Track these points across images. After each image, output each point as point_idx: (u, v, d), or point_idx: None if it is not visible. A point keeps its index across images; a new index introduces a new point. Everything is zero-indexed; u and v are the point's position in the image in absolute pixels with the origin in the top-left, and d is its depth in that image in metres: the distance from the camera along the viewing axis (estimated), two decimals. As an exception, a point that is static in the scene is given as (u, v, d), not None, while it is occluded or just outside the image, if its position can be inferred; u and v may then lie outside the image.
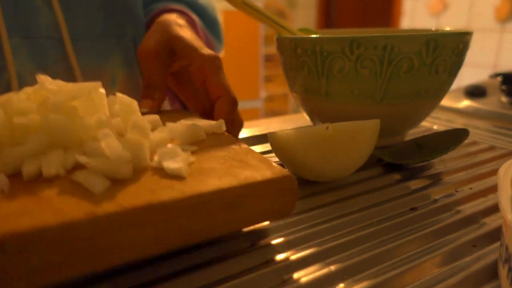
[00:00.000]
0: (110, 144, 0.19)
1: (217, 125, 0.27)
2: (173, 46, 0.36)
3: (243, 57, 2.22)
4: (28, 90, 0.24)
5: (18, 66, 0.39)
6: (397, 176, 0.30)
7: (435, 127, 0.44)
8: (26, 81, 0.39)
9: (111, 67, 0.46)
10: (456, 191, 0.27)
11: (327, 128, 0.27)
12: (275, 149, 0.28)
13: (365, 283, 0.18)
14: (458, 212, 0.25)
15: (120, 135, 0.23)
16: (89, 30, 0.43)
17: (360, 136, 0.27)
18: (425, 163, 0.32)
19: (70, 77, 0.42)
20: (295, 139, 0.27)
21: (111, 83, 0.47)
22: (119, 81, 0.48)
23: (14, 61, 0.39)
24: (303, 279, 0.18)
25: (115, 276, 0.18)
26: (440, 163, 0.32)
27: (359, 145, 0.27)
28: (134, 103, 0.24)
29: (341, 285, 0.18)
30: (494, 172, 0.30)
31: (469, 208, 0.25)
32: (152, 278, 0.19)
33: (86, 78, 0.43)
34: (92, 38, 0.44)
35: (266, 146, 0.38)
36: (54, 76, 0.33)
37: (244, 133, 0.40)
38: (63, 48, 0.42)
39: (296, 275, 0.19)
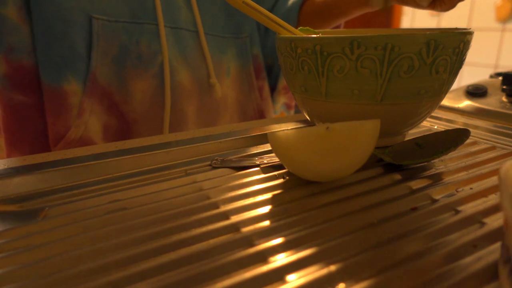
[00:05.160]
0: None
1: None
2: None
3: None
4: None
5: (168, 51, 0.49)
6: (397, 176, 0.30)
7: (435, 127, 0.44)
8: (172, 64, 0.51)
9: (227, 59, 0.58)
10: (457, 191, 0.27)
11: (327, 128, 0.27)
12: (275, 149, 0.28)
13: (365, 283, 0.18)
14: (458, 212, 0.25)
15: None
16: (213, 27, 0.55)
17: (360, 136, 0.27)
18: (425, 163, 0.32)
19: (203, 64, 0.54)
20: (295, 139, 0.27)
21: (226, 72, 0.58)
22: (232, 72, 0.59)
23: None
24: (303, 279, 0.18)
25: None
26: (440, 163, 0.32)
27: (359, 145, 0.27)
28: None
29: (341, 285, 0.18)
30: (495, 172, 0.30)
31: (469, 208, 0.25)
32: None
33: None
34: (215, 34, 0.56)
35: (266, 146, 0.38)
36: (190, 62, 0.49)
37: (243, 133, 0.40)
38: (198, 40, 0.53)
39: (296, 275, 0.19)
